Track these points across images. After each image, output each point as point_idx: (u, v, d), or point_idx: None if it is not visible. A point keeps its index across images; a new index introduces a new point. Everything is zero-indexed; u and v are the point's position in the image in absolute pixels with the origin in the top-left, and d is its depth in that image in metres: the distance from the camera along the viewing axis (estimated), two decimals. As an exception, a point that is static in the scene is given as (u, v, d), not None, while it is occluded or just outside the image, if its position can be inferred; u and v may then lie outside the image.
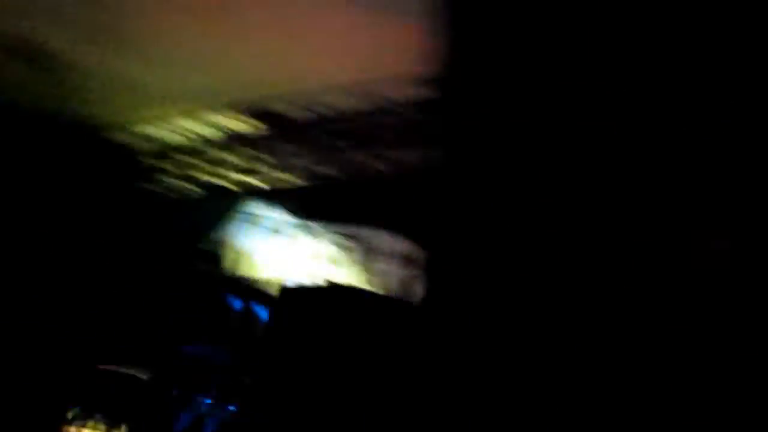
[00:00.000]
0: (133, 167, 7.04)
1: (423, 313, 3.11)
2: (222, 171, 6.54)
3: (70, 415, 4.30)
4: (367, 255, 6.43)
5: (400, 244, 6.16)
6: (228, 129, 6.24)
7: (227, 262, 5.96)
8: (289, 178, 6.23)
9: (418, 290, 6.11)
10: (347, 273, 6.41)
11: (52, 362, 4.97)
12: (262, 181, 6.44)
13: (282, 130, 5.91)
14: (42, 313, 5.39)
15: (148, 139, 6.83)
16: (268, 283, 6.65)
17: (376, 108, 5.24)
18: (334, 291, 3.63)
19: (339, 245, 6.60)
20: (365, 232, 6.42)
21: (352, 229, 6.48)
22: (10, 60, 5.74)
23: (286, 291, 3.48)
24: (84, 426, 5.12)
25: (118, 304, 5.20)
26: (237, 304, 4.39)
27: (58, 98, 6.26)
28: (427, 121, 5.00)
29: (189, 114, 6.12)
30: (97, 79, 5.82)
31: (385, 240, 6.28)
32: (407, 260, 6.15)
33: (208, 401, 3.55)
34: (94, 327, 4.86)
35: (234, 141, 6.27)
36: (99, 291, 5.49)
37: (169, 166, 6.94)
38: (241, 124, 6.15)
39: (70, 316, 5.43)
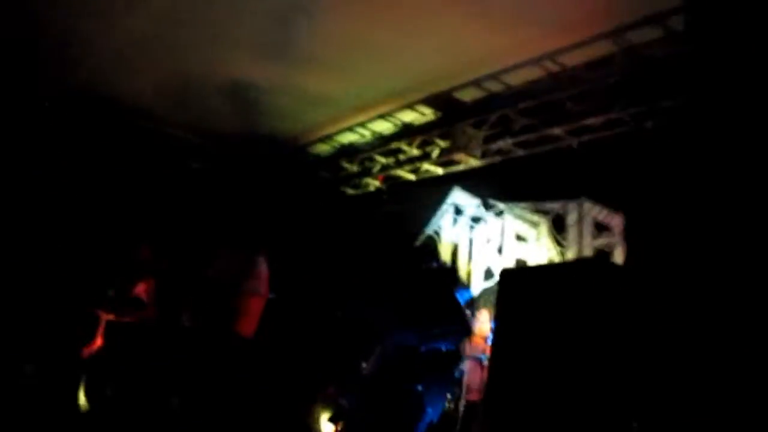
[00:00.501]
0: (329, 173, 7.53)
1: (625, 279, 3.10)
2: (409, 163, 6.79)
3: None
4: (557, 227, 6.40)
5: (594, 213, 6.07)
6: (412, 121, 6.50)
7: (427, 249, 6.21)
8: (472, 161, 6.34)
9: (615, 258, 6.00)
10: (538, 248, 6.43)
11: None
12: (447, 167, 6.61)
13: (464, 114, 6.05)
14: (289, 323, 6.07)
15: (339, 144, 7.30)
16: (462, 266, 6.86)
17: (559, 79, 5.22)
18: (552, 268, 3.65)
19: (527, 221, 6.63)
20: (553, 205, 6.40)
21: (540, 204, 6.48)
22: (214, 95, 6.34)
23: (506, 273, 3.53)
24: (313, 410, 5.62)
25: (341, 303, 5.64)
26: (443, 290, 4.53)
27: (256, 121, 6.84)
28: (618, 84, 4.91)
29: (377, 115, 6.44)
30: (288, 97, 6.30)
31: (574, 210, 6.22)
32: (601, 229, 6.05)
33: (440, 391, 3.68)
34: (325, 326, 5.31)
35: (418, 132, 6.51)
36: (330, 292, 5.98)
37: (355, 167, 7.35)
38: (424, 116, 6.37)
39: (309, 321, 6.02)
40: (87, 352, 5.18)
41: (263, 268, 4.61)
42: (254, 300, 4.51)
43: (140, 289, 5.27)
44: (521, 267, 5.14)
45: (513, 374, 3.02)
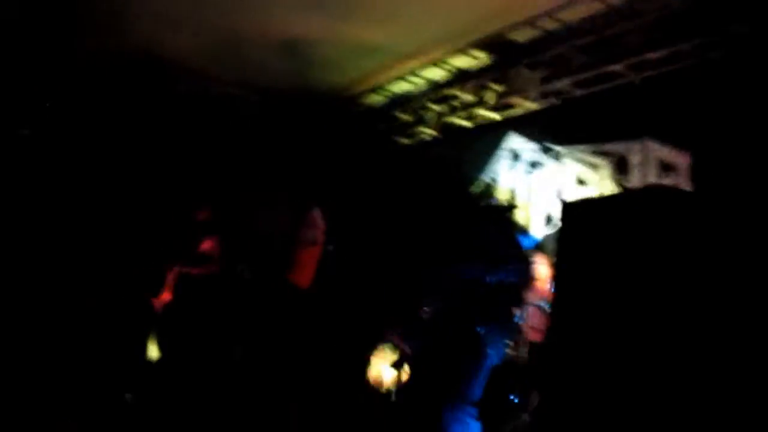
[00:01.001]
0: (383, 123, 7.49)
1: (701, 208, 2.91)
2: (463, 109, 6.66)
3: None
4: (619, 169, 6.20)
5: (658, 153, 5.84)
6: (465, 67, 6.34)
7: (486, 194, 6.13)
8: (529, 104, 6.17)
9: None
10: (599, 191, 6.25)
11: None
12: (503, 111, 6.46)
13: (519, 55, 5.87)
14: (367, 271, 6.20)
15: (392, 94, 7.21)
16: (521, 212, 6.76)
17: (619, 12, 4.97)
18: (619, 198, 3.50)
19: (588, 164, 6.44)
20: (615, 147, 6.18)
21: (601, 146, 6.27)
22: (265, 51, 6.32)
23: (568, 206, 3.39)
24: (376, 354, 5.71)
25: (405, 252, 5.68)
26: (503, 229, 4.44)
27: (307, 75, 6.82)
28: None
29: (427, 62, 6.32)
30: (337, 48, 6.21)
31: (637, 151, 5.99)
32: (666, 169, 5.83)
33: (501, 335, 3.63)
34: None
35: (472, 77, 6.36)
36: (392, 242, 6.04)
37: (409, 116, 7.27)
38: (477, 60, 6.21)
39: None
40: (157, 304, 5.42)
41: (318, 218, 4.67)
42: (309, 249, 4.59)
43: (206, 245, 5.45)
44: (585, 198, 4.91)
45: (577, 315, 2.92)
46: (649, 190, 4.36)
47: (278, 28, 5.89)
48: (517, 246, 3.39)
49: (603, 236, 2.93)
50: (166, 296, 5.43)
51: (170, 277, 5.46)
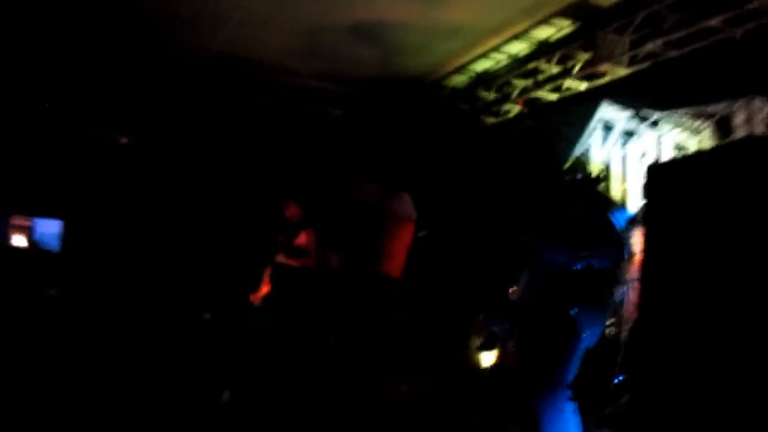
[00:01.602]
0: (468, 103, 7.39)
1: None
2: (549, 82, 6.44)
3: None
4: (722, 132, 5.80)
5: (766, 111, 5.41)
6: (549, 37, 6.12)
7: (576, 169, 5.91)
8: (619, 70, 5.86)
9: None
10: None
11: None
12: (591, 80, 6.18)
13: (604, 20, 5.59)
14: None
15: (474, 73, 7.08)
16: (615, 185, 6.48)
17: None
18: (712, 155, 3.19)
19: (687, 129, 6.07)
20: (716, 107, 5.78)
21: (701, 108, 5.88)
22: (346, 41, 6.35)
23: (654, 169, 3.14)
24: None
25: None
26: (587, 211, 4.24)
27: (388, 61, 6.82)
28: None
29: (511, 36, 6.14)
30: (417, 32, 6.15)
31: (741, 109, 5.57)
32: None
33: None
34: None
35: (556, 47, 6.13)
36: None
37: (493, 94, 7.12)
38: (561, 29, 5.97)
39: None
40: (256, 299, 5.63)
41: (407, 198, 4.68)
42: (402, 226, 4.59)
43: (302, 239, 5.59)
44: (672, 159, 4.53)
45: (669, 288, 2.72)
46: (747, 141, 3.96)
47: (364, 16, 5.89)
48: (607, 225, 3.19)
49: (694, 200, 2.68)
50: (264, 290, 5.62)
51: (267, 273, 5.65)
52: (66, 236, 7.73)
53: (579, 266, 3.08)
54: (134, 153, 7.40)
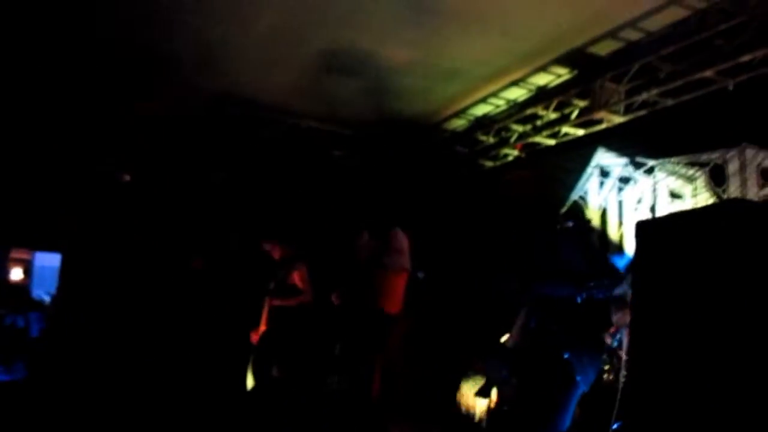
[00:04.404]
0: (466, 147, 7.49)
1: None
2: (547, 128, 6.55)
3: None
4: (716, 180, 5.88)
5: (758, 160, 5.49)
6: (547, 84, 6.25)
7: (572, 215, 5.97)
8: (615, 118, 5.98)
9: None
10: (695, 205, 5.94)
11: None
12: (588, 127, 6.29)
13: (601, 69, 5.72)
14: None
15: (473, 117, 7.20)
16: (612, 230, 6.53)
17: (706, 15, 4.77)
18: (695, 214, 3.29)
19: (682, 176, 6.15)
20: (710, 156, 5.87)
21: (695, 156, 5.97)
22: (346, 84, 6.45)
23: (642, 225, 3.24)
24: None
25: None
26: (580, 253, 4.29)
27: (387, 105, 6.93)
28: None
29: (509, 82, 6.27)
30: (417, 76, 6.28)
31: (735, 158, 5.66)
32: (767, 175, 5.47)
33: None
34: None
35: (554, 94, 6.25)
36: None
37: (492, 138, 7.23)
38: (559, 77, 6.11)
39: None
40: (255, 336, 5.62)
41: (403, 241, 4.70)
42: (397, 275, 4.61)
43: (295, 277, 5.62)
44: (659, 216, 4.65)
45: (655, 338, 2.80)
46: (726, 204, 4.09)
47: (368, 61, 6.00)
48: (603, 260, 3.25)
49: (679, 254, 2.79)
50: (262, 328, 5.63)
51: (265, 311, 5.67)
52: (64, 270, 7.74)
53: (580, 298, 3.13)
54: (135, 190, 7.46)
